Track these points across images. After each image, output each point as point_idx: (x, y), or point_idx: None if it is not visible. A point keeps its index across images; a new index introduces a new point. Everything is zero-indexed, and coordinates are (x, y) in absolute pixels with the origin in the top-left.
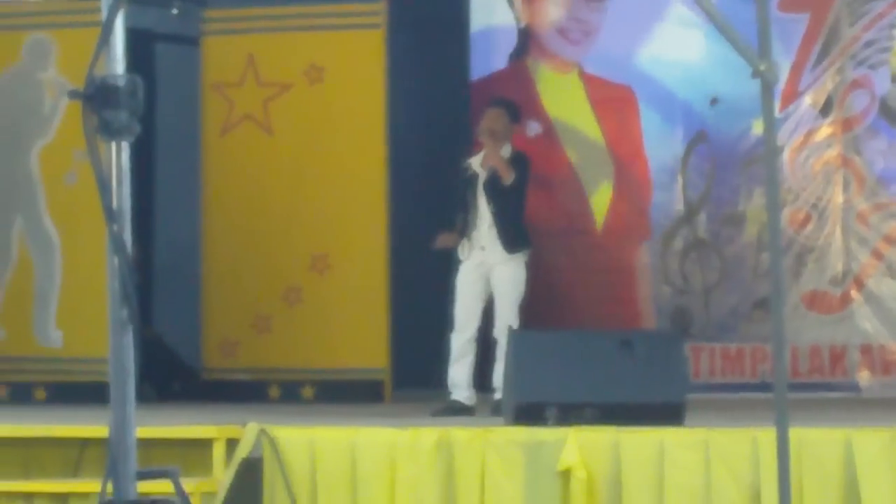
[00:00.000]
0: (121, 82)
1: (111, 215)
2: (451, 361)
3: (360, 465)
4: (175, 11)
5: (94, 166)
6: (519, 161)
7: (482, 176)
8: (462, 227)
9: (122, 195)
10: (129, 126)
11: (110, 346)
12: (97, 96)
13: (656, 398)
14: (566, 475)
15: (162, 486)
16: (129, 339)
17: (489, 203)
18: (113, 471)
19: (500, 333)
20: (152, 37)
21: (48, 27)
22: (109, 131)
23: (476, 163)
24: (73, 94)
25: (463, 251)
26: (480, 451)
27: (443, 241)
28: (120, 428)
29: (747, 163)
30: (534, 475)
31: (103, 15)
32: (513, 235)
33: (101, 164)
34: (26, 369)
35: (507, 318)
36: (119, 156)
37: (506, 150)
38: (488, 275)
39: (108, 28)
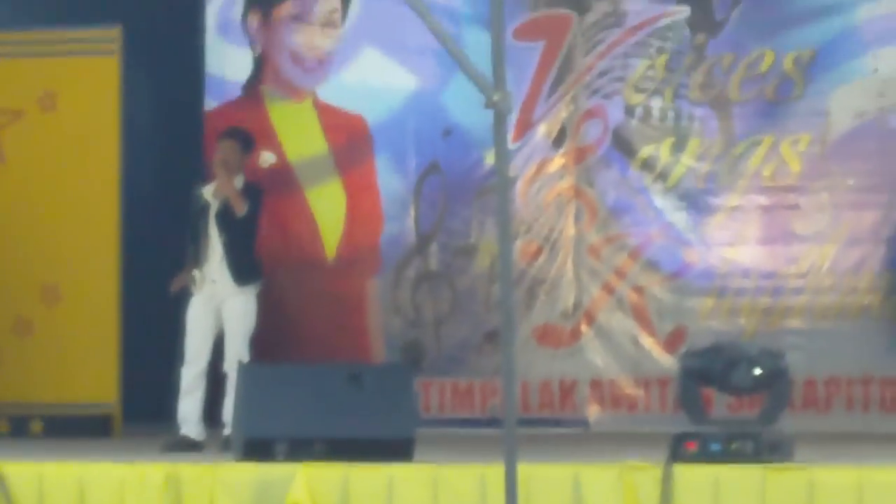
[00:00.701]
0: None
1: None
2: (180, 395)
3: (89, 501)
4: None
5: None
6: (252, 192)
7: (214, 206)
8: (194, 258)
9: None
10: None
11: None
12: None
13: (385, 433)
14: None
15: None
16: None
17: (220, 234)
18: None
19: (231, 367)
20: None
21: None
22: None
23: (208, 192)
24: None
25: (194, 284)
26: (209, 487)
27: (178, 282)
28: None
29: (480, 193)
30: None
31: None
32: (244, 268)
33: None
34: None
35: (237, 351)
36: None
37: (238, 181)
38: (219, 308)
39: None
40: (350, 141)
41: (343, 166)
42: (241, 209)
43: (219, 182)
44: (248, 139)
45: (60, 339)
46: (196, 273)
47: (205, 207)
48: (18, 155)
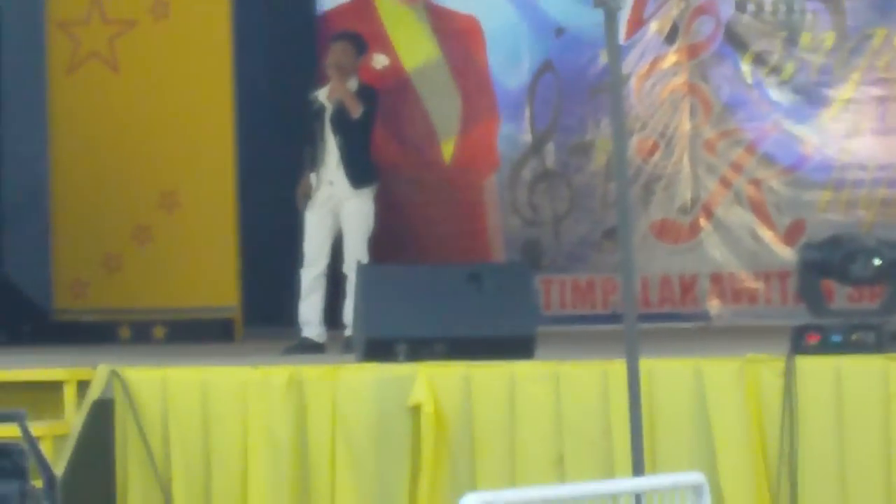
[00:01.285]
0: None
1: None
2: (300, 298)
3: (212, 404)
4: None
5: None
6: (366, 94)
7: (329, 109)
8: (310, 161)
9: None
10: None
11: None
12: None
13: (506, 331)
14: (416, 410)
15: (10, 430)
16: None
17: (336, 136)
18: None
19: (350, 269)
20: None
21: None
22: None
23: (323, 95)
24: None
25: (312, 186)
26: (331, 388)
27: (302, 191)
28: None
29: (594, 91)
30: (384, 411)
31: None
32: (361, 170)
33: None
34: None
35: (356, 253)
36: None
37: (352, 84)
38: (337, 210)
39: None
40: (463, 42)
41: (457, 67)
42: (356, 111)
43: (333, 85)
44: (360, 41)
45: (180, 245)
46: (313, 176)
47: (319, 110)
48: (133, 64)
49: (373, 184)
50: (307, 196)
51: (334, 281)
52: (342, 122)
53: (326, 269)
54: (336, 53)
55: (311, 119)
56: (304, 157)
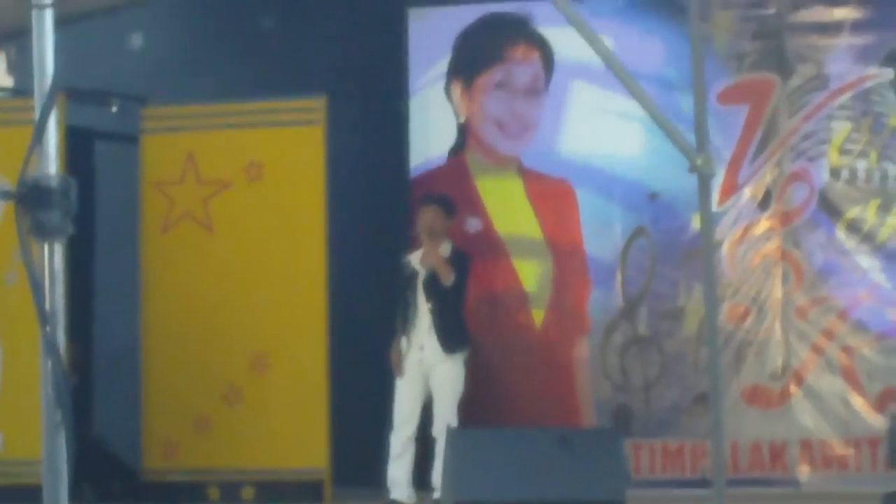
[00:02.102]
0: (53, 182)
1: (44, 317)
2: (390, 460)
3: None
4: (114, 109)
5: (27, 267)
6: (459, 259)
7: (422, 274)
8: (402, 326)
9: (56, 296)
10: (62, 226)
11: (43, 448)
12: (30, 196)
13: (596, 496)
14: None
15: None
16: (61, 442)
17: (428, 302)
18: None
19: (439, 432)
20: (92, 135)
21: None
22: (42, 232)
23: (415, 260)
24: (5, 195)
25: (403, 350)
26: None
27: (396, 357)
28: None
29: (687, 257)
30: None
31: (36, 113)
32: (452, 335)
33: (33, 264)
34: None
35: (445, 416)
36: (52, 256)
37: (445, 249)
38: (427, 374)
39: (41, 126)
40: (556, 205)
41: (549, 231)
42: (448, 279)
43: (425, 250)
44: (450, 204)
45: (270, 407)
46: (404, 340)
47: (412, 275)
48: (226, 225)
49: (464, 348)
50: (400, 361)
51: (424, 443)
52: (434, 287)
53: (416, 431)
54: (427, 218)
55: (404, 284)
56: (396, 322)
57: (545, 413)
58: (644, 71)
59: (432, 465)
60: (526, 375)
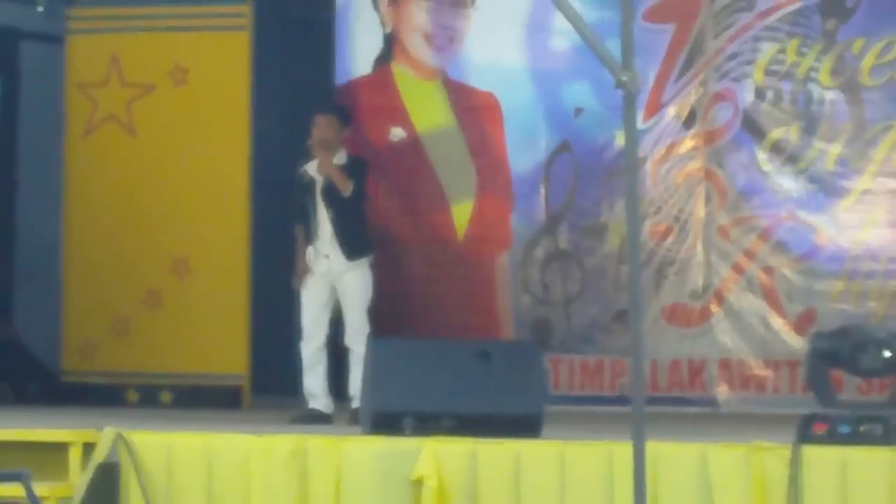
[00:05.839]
0: None
1: None
2: (304, 371)
3: (216, 471)
4: (40, 9)
5: None
6: (356, 166)
7: (319, 183)
8: (305, 236)
9: None
10: None
11: None
12: None
13: (513, 409)
14: (419, 484)
15: (14, 490)
16: None
17: (328, 210)
18: None
19: (351, 341)
20: (17, 34)
21: None
22: None
23: (312, 169)
24: None
25: (309, 260)
26: (335, 460)
27: (301, 270)
28: None
29: (610, 174)
30: (387, 484)
31: None
32: (355, 242)
33: None
34: None
35: (356, 325)
36: None
37: (339, 158)
38: (334, 283)
39: None
40: (480, 117)
41: (474, 144)
42: (346, 188)
43: (320, 160)
44: (344, 113)
45: (190, 312)
46: (310, 250)
47: (310, 184)
48: (149, 129)
49: (368, 254)
50: (305, 271)
51: (336, 354)
52: (333, 196)
53: (326, 341)
54: (320, 128)
55: (302, 193)
56: (297, 233)
57: (466, 324)
58: None
59: (347, 375)
60: (447, 287)
